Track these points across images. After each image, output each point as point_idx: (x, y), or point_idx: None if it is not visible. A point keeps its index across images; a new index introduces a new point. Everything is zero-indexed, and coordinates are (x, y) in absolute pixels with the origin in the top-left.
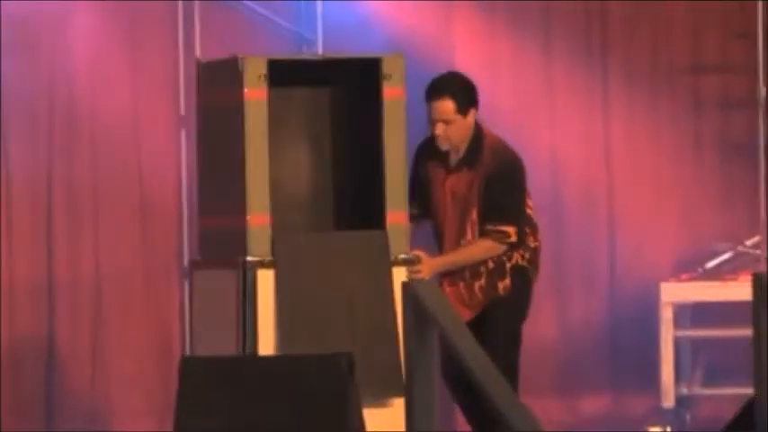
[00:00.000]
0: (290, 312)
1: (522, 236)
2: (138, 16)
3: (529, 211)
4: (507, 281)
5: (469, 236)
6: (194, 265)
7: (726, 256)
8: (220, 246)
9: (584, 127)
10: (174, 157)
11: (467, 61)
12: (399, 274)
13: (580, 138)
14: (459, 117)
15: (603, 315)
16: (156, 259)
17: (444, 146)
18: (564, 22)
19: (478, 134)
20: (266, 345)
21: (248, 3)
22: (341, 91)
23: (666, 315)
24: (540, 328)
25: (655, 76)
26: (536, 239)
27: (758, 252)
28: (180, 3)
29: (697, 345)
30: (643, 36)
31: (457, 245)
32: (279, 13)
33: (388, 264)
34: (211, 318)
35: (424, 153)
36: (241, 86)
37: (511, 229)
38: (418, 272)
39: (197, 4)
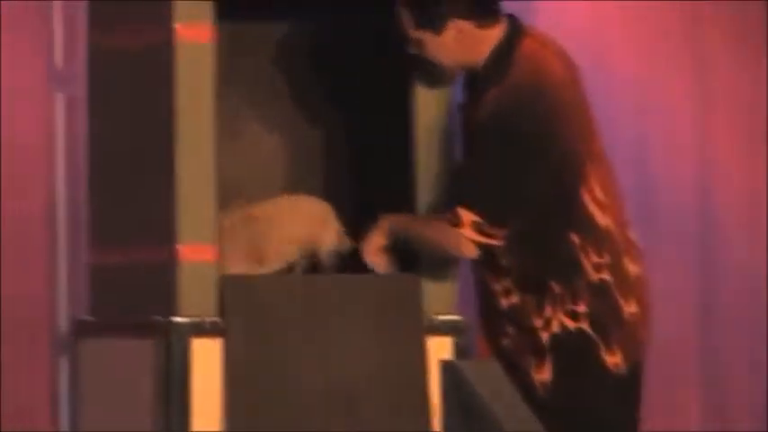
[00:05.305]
0: (249, 412)
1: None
2: None
3: (599, 213)
4: (545, 371)
5: None
6: (80, 328)
7: None
8: (126, 297)
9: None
10: (43, 142)
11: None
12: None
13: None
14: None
15: None
16: (13, 318)
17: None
18: None
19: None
20: None
21: None
22: (328, 26)
23: None
24: None
25: None
26: (603, 256)
27: None
28: None
29: None
30: None
31: None
32: None
33: (421, 329)
34: (109, 410)
35: None
36: (168, 22)
37: (465, 215)
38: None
39: None
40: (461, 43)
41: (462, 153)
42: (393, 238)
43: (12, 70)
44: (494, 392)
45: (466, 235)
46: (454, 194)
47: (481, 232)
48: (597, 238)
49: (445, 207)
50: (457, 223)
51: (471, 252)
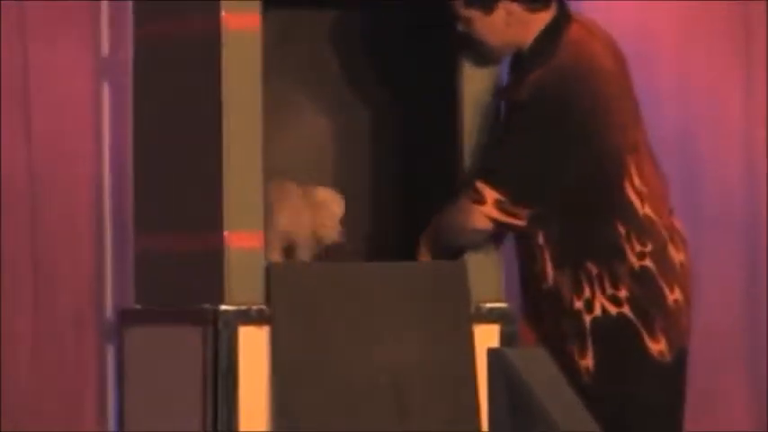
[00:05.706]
0: (296, 399)
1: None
2: None
3: (639, 201)
4: (589, 357)
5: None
6: (127, 316)
7: None
8: (172, 285)
9: None
10: (88, 129)
11: None
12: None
13: None
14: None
15: None
16: (57, 307)
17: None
18: None
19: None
20: None
21: None
22: (382, 15)
23: None
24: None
25: None
26: (646, 245)
27: None
28: None
29: None
30: None
31: None
32: None
33: (468, 317)
34: (155, 399)
35: None
36: (215, 10)
37: (488, 192)
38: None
39: None
40: (510, 24)
41: (501, 132)
42: (437, 250)
43: (59, 57)
44: (542, 380)
45: (486, 212)
46: (480, 168)
47: (503, 211)
48: (641, 227)
49: (468, 180)
50: (479, 200)
51: (485, 224)
